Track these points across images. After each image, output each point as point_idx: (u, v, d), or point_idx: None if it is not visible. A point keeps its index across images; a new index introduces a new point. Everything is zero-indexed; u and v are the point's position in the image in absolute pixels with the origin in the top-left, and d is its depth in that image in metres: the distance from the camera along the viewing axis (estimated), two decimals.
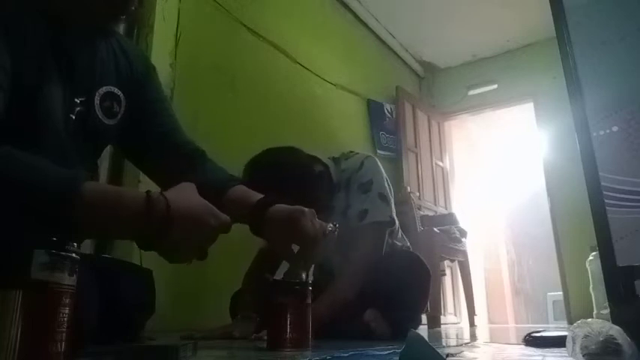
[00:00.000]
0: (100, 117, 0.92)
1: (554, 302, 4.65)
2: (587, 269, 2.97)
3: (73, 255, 0.53)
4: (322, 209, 1.44)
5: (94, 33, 0.91)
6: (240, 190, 0.99)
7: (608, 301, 0.98)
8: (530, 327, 2.88)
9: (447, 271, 3.81)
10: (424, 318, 2.65)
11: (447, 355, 0.78)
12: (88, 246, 1.68)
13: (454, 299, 4.17)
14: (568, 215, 3.69)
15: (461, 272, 3.48)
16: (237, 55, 2.51)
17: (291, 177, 1.43)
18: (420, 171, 4.15)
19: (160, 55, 2.04)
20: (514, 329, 3.17)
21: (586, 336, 0.68)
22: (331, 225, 0.94)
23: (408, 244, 1.72)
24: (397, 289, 1.38)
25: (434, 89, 4.87)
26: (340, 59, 3.48)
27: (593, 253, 2.83)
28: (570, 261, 3.71)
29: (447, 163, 4.65)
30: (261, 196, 0.95)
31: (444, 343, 1.34)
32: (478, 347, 1.17)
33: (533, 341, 1.08)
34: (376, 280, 1.39)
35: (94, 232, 0.75)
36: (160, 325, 1.52)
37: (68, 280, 0.52)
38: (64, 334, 0.51)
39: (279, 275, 1.03)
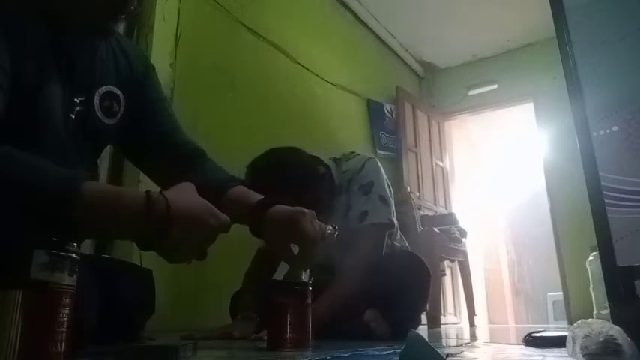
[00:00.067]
0: (100, 117, 0.92)
1: (554, 302, 4.65)
2: (587, 269, 2.97)
3: (73, 255, 0.53)
4: (324, 210, 1.45)
5: (94, 33, 0.91)
6: (240, 190, 0.98)
7: (608, 301, 0.98)
8: (530, 327, 2.88)
9: (447, 271, 3.81)
10: (424, 318, 2.65)
11: (447, 355, 0.78)
12: (88, 246, 1.68)
13: (454, 299, 4.17)
14: (568, 215, 3.69)
15: (461, 272, 3.47)
16: (237, 55, 2.51)
17: (293, 177, 1.44)
18: (420, 171, 4.15)
19: (160, 55, 2.04)
20: (514, 329, 3.17)
21: (586, 336, 0.68)
22: (330, 227, 0.94)
23: (407, 244, 1.72)
24: (397, 289, 1.38)
25: (434, 89, 4.87)
26: (340, 59, 3.48)
27: (593, 253, 2.83)
28: (570, 261, 3.71)
29: (447, 163, 4.65)
30: (260, 196, 0.95)
31: (444, 343, 1.34)
32: (478, 347, 1.17)
33: (533, 341, 1.08)
34: (376, 280, 1.39)
35: (94, 232, 0.75)
36: (160, 325, 1.52)
37: (68, 280, 0.52)
38: (64, 334, 0.51)
39: (278, 275, 1.04)
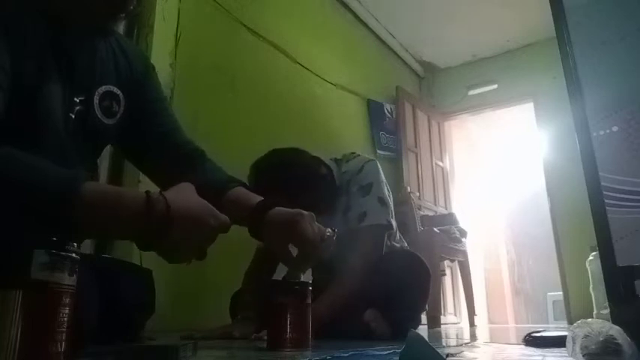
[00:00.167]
0: (100, 116, 0.92)
1: (554, 302, 4.65)
2: (587, 269, 2.97)
3: (73, 255, 0.53)
4: (325, 210, 1.45)
5: (94, 33, 0.91)
6: (240, 191, 0.98)
7: (608, 301, 0.98)
8: (530, 327, 2.88)
9: (447, 271, 3.81)
10: (424, 318, 2.65)
11: (447, 355, 0.78)
12: (88, 246, 1.68)
13: (454, 299, 4.17)
14: (568, 215, 3.69)
15: (461, 272, 3.48)
16: (237, 55, 2.51)
17: (295, 177, 1.45)
18: (420, 171, 4.15)
19: (160, 55, 2.04)
20: (514, 329, 3.17)
21: (586, 336, 0.68)
22: (330, 230, 0.94)
23: (406, 245, 1.73)
24: (397, 289, 1.38)
25: (434, 89, 4.87)
26: (340, 59, 3.48)
27: (593, 253, 2.83)
28: (570, 261, 3.71)
29: (447, 163, 4.65)
30: (260, 198, 0.95)
31: (444, 343, 1.34)
32: (478, 347, 1.17)
33: (533, 341, 1.08)
34: (376, 280, 1.39)
35: (94, 232, 0.75)
36: (160, 325, 1.52)
37: (68, 280, 0.52)
38: (64, 334, 0.51)
39: (278, 275, 1.04)
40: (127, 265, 1.24)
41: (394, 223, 1.57)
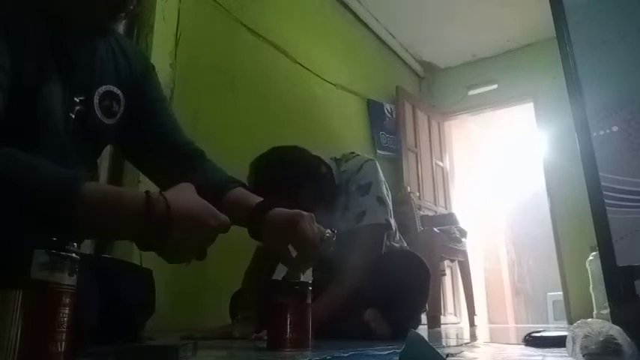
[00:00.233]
0: (100, 116, 0.92)
1: (554, 302, 4.65)
2: (587, 269, 2.97)
3: (73, 255, 0.53)
4: (324, 209, 1.45)
5: (94, 33, 0.91)
6: (240, 192, 0.98)
7: (608, 301, 0.98)
8: (530, 327, 2.88)
9: (447, 271, 3.81)
10: (424, 318, 2.65)
11: (447, 355, 0.78)
12: (88, 246, 1.68)
13: (454, 299, 4.17)
14: (568, 215, 3.69)
15: (461, 272, 3.48)
16: (237, 55, 2.51)
17: (295, 176, 1.45)
18: (420, 171, 4.15)
19: (160, 55, 2.04)
20: (514, 329, 3.17)
21: (586, 336, 0.68)
22: (329, 230, 0.94)
23: (406, 245, 1.73)
24: (397, 289, 1.38)
25: (434, 89, 4.87)
26: (340, 59, 3.48)
27: (593, 253, 2.83)
28: (570, 261, 3.71)
29: (447, 163, 4.65)
30: (260, 199, 0.95)
31: (444, 343, 1.34)
32: (478, 347, 1.17)
33: (533, 341, 1.08)
34: (376, 280, 1.39)
35: (94, 232, 0.75)
36: (160, 325, 1.52)
37: (68, 280, 0.52)
38: (64, 334, 0.51)
39: (278, 275, 1.04)
40: (127, 265, 1.24)
41: (393, 222, 1.57)
